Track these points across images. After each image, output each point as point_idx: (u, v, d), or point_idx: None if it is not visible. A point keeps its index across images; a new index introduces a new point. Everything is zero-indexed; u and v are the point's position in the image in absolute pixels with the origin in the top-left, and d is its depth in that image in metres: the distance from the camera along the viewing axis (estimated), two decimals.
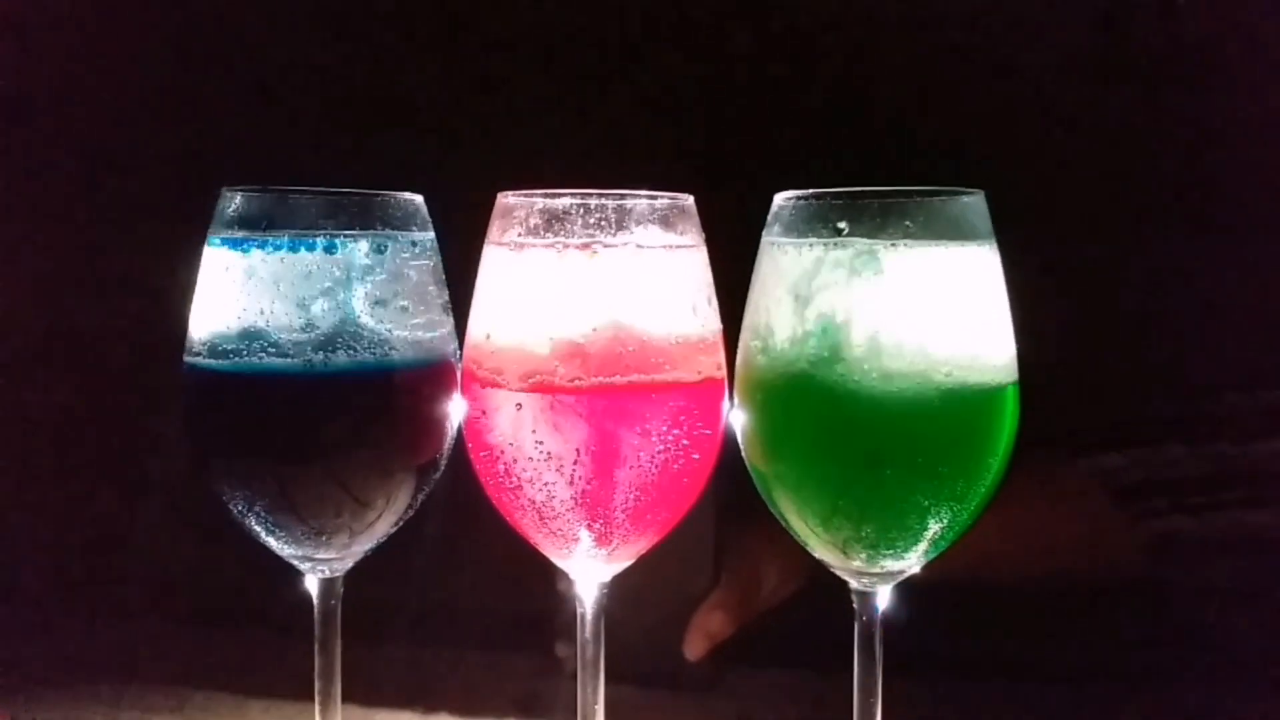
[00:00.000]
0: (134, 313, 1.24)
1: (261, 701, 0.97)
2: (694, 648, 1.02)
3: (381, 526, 0.73)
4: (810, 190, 0.66)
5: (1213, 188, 1.17)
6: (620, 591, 0.74)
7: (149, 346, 0.89)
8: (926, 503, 0.63)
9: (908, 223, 0.63)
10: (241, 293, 0.68)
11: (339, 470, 0.69)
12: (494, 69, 1.28)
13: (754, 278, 0.69)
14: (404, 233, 0.71)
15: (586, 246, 0.66)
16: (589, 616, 0.73)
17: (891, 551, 0.66)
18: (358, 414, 0.69)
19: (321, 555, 0.73)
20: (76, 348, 1.33)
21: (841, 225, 0.64)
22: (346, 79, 1.30)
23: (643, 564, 0.74)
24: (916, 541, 0.65)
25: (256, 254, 0.68)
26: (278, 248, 0.68)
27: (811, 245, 0.65)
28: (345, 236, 0.69)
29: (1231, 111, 1.17)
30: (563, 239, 0.66)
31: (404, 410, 0.71)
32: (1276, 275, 1.14)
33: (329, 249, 0.68)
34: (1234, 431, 1.08)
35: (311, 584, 0.74)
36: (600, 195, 0.66)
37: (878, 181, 0.64)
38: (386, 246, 0.70)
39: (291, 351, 0.67)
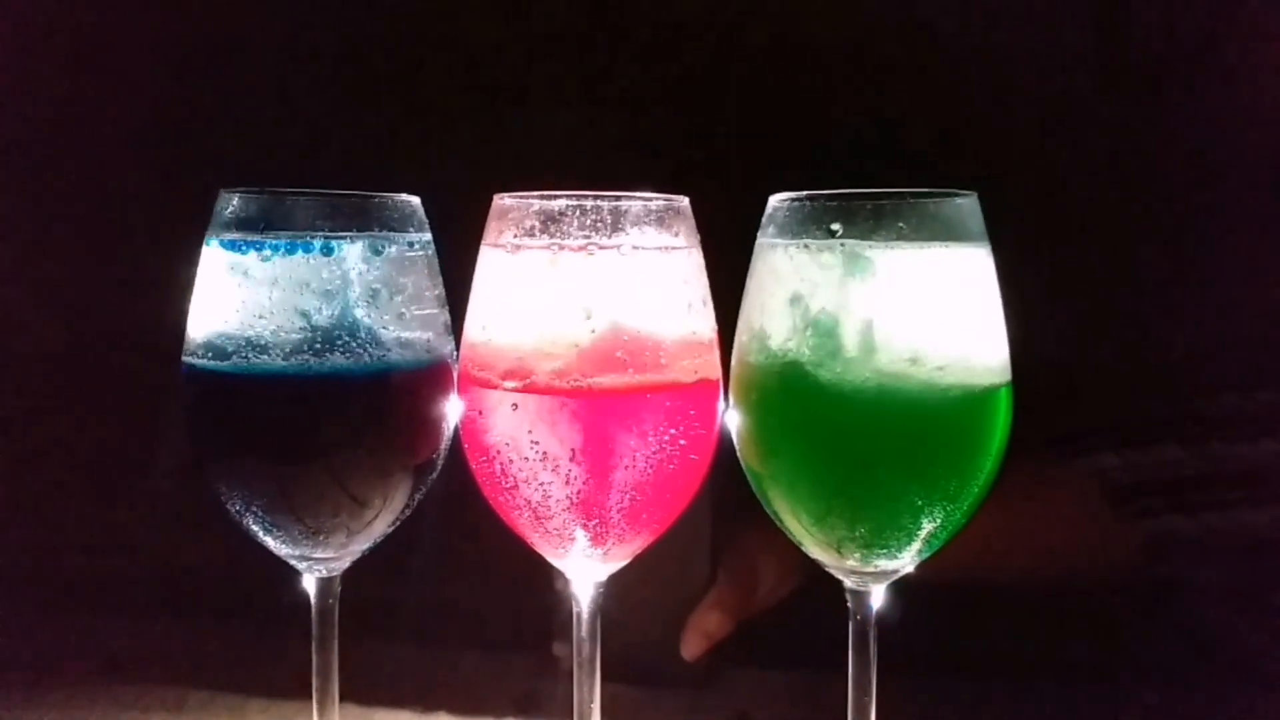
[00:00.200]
0: (133, 313, 1.24)
1: (260, 700, 0.97)
2: (690, 647, 1.02)
3: (379, 526, 0.73)
4: (804, 192, 0.66)
5: (1208, 188, 1.18)
6: (617, 591, 0.74)
7: (148, 347, 0.89)
8: (920, 502, 0.64)
9: (901, 224, 0.63)
10: (239, 294, 0.68)
11: (336, 470, 0.70)
12: (491, 71, 1.28)
13: (749, 279, 0.69)
14: (401, 234, 0.72)
15: (582, 248, 0.66)
16: (585, 616, 0.73)
17: (885, 551, 0.67)
18: (355, 414, 0.70)
19: (319, 555, 0.73)
20: (76, 348, 1.33)
21: (835, 227, 0.64)
22: (344, 81, 1.30)
23: (639, 564, 0.74)
24: (910, 541, 0.66)
25: (254, 255, 0.68)
26: (275, 249, 0.68)
27: (806, 246, 0.65)
28: (343, 238, 0.69)
29: (1226, 112, 1.17)
30: (559, 240, 0.67)
31: (401, 411, 0.71)
32: (1272, 276, 1.14)
33: (326, 250, 0.69)
34: (1230, 432, 1.08)
35: (309, 583, 0.74)
36: (596, 197, 0.67)
37: (872, 183, 0.64)
38: (384, 248, 0.70)
39: (289, 352, 0.67)
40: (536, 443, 0.66)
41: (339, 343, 0.68)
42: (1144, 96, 1.19)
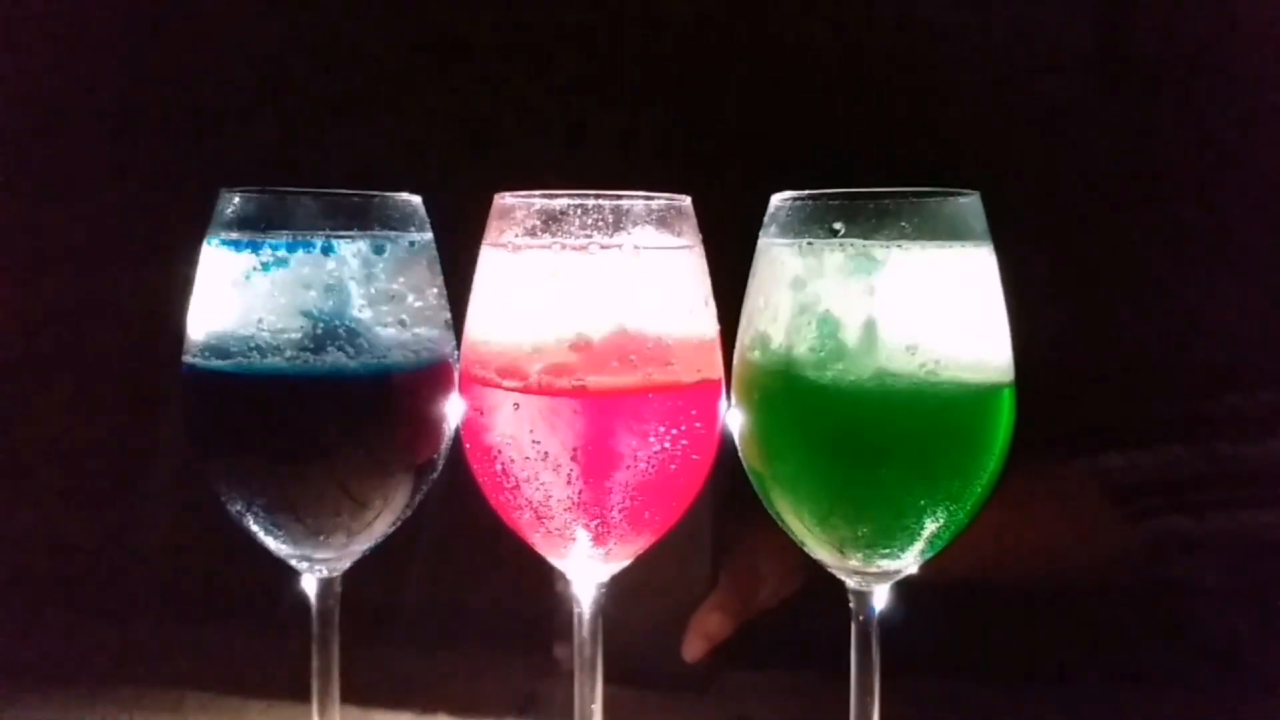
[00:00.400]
0: (133, 313, 1.24)
1: (260, 702, 0.97)
2: (691, 649, 1.02)
3: (379, 526, 0.73)
4: (807, 191, 0.66)
5: (1211, 188, 1.18)
6: (618, 593, 0.74)
7: (149, 346, 0.89)
8: (922, 502, 0.64)
9: (903, 223, 0.63)
10: (240, 293, 0.68)
11: (337, 470, 0.70)
12: (492, 71, 1.28)
13: (751, 278, 0.69)
14: (402, 233, 0.71)
15: (584, 247, 0.66)
16: (586, 616, 0.73)
17: (888, 551, 0.66)
18: (355, 414, 0.70)
19: (319, 555, 0.73)
20: (77, 348, 1.33)
21: (838, 226, 0.64)
22: (345, 80, 1.30)
23: (640, 565, 0.74)
24: (913, 541, 0.65)
25: (255, 255, 0.68)
26: (276, 248, 0.68)
27: (808, 246, 0.65)
28: (343, 237, 0.69)
29: (1230, 111, 1.17)
30: (560, 240, 0.66)
31: (401, 410, 0.71)
32: (1275, 275, 1.14)
33: (327, 250, 0.68)
34: (1232, 431, 1.08)
35: (310, 584, 0.74)
36: (597, 196, 0.66)
37: (874, 182, 0.64)
38: (385, 247, 0.70)
39: (290, 352, 0.67)
40: (538, 442, 0.65)
41: (340, 342, 0.68)
42: (1146, 96, 1.19)
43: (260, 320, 0.67)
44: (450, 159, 1.21)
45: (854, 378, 0.63)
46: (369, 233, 0.70)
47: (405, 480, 0.72)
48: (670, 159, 1.20)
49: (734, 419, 0.69)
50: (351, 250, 0.69)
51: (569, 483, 0.66)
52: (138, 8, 1.33)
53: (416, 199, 0.73)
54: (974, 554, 0.85)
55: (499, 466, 0.68)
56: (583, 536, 0.69)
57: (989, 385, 0.64)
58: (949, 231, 0.64)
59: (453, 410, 0.72)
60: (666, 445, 0.66)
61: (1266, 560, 1.07)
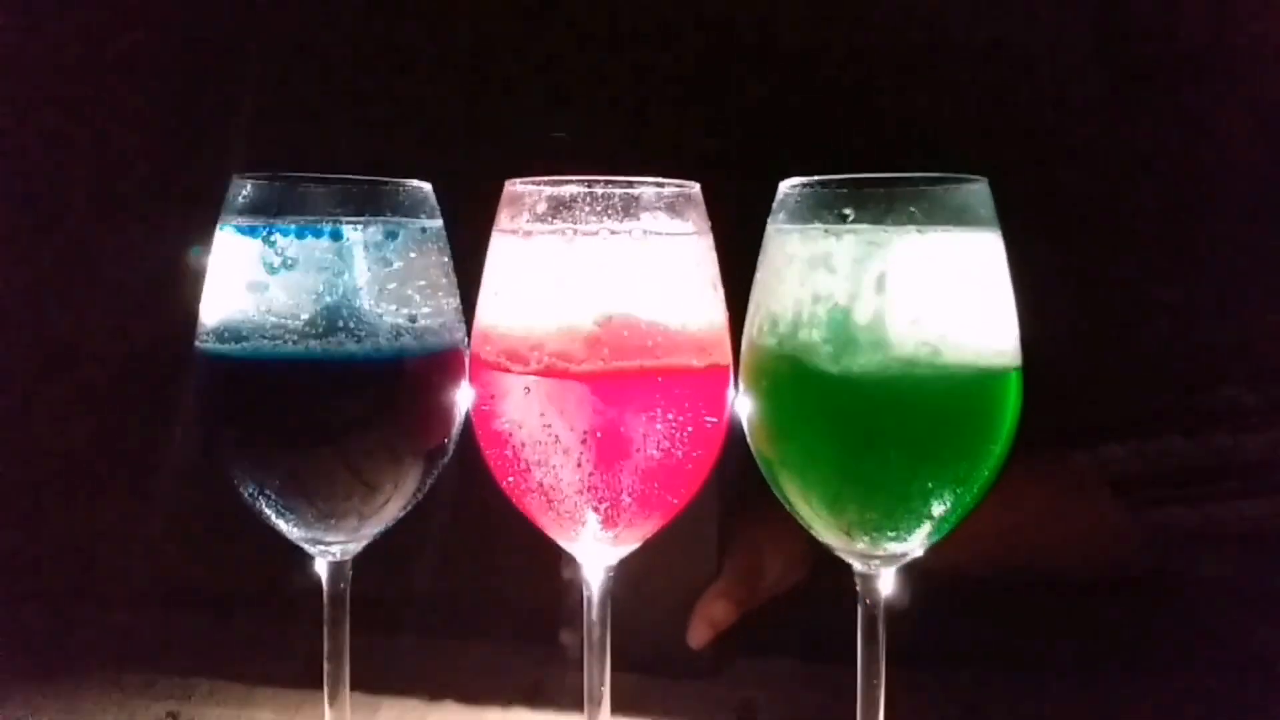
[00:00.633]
0: (144, 299, 1.24)
1: (266, 690, 0.98)
2: (697, 635, 1.03)
3: (390, 510, 0.73)
4: (815, 177, 0.66)
5: (1215, 180, 1.18)
6: (623, 580, 0.75)
7: (158, 332, 0.90)
8: (930, 485, 0.64)
9: (912, 209, 0.64)
10: (252, 279, 0.69)
11: (348, 455, 0.70)
12: (502, 58, 1.28)
13: (759, 264, 0.70)
14: (413, 220, 0.72)
15: (594, 233, 0.67)
16: (595, 600, 0.73)
17: (895, 534, 0.67)
18: (367, 399, 0.70)
19: (330, 538, 0.73)
20: (84, 333, 1.33)
21: (846, 212, 0.65)
22: (357, 67, 1.30)
23: (647, 551, 0.74)
24: (920, 524, 0.66)
25: (266, 241, 0.69)
26: (287, 234, 0.69)
27: (817, 232, 0.65)
28: (354, 223, 0.69)
29: (1234, 104, 1.17)
30: (570, 226, 0.67)
31: (413, 395, 0.72)
32: (1277, 267, 1.14)
33: (338, 236, 0.69)
34: (1236, 424, 1.08)
35: (320, 568, 0.75)
36: (607, 183, 0.67)
37: (883, 168, 0.65)
38: (396, 233, 0.71)
39: (301, 337, 0.67)
40: (548, 426, 0.66)
41: (351, 328, 0.68)
42: (1150, 89, 1.19)
43: (272, 305, 0.68)
44: (460, 146, 1.21)
45: (862, 362, 0.63)
46: (380, 219, 0.70)
47: (416, 465, 0.72)
48: (679, 145, 1.21)
49: (742, 404, 0.70)
50: (362, 237, 0.69)
51: (579, 466, 0.66)
52: None
53: (427, 186, 0.74)
54: (976, 545, 0.86)
55: (509, 450, 0.68)
56: (592, 519, 0.69)
57: (997, 369, 0.65)
58: (958, 217, 0.65)
59: (463, 395, 0.72)
60: (676, 429, 0.67)
61: (1270, 552, 1.07)
